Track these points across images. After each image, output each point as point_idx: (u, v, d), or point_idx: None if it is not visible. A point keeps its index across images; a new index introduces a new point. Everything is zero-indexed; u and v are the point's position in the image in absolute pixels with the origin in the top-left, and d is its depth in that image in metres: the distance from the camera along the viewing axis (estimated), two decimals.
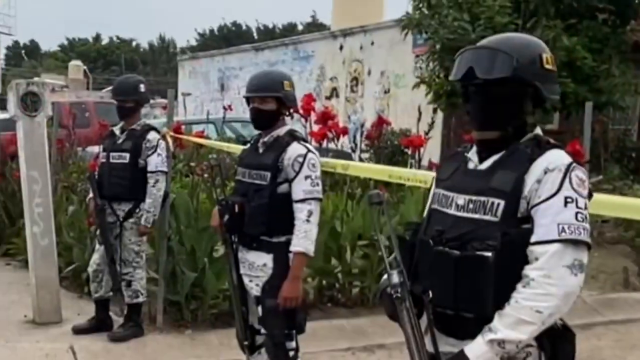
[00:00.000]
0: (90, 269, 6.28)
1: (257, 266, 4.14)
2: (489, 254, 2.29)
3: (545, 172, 2.33)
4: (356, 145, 9.14)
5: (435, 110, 9.04)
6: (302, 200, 4.02)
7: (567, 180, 2.31)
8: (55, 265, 6.73)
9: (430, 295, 2.40)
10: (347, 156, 9.77)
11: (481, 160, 2.50)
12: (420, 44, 13.91)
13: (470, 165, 2.53)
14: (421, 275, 2.50)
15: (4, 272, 8.74)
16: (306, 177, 4.03)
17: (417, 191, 7.02)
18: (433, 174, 4.86)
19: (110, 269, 6.06)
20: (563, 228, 2.26)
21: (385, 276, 2.48)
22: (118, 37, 79.71)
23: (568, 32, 9.01)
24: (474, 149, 2.56)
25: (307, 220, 4.00)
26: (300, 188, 4.03)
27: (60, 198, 8.40)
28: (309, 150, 4.10)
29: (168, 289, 6.43)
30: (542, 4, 9.82)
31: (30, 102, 6.59)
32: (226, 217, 4.18)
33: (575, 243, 2.27)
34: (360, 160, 9.38)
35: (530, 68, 2.40)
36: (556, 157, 2.36)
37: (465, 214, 2.43)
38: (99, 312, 6.34)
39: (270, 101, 4.15)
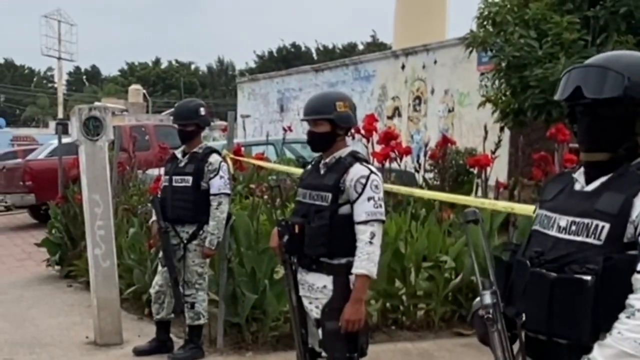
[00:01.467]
0: (152, 291, 6.30)
1: (316, 288, 4.07)
2: (589, 277, 2.17)
3: None
4: (420, 165, 8.97)
5: (502, 129, 8.84)
6: (365, 222, 3.94)
7: None
8: (116, 287, 6.77)
9: (524, 318, 2.30)
10: (411, 176, 9.62)
11: (588, 181, 2.38)
12: (485, 61, 13.70)
13: (577, 187, 2.41)
14: (515, 298, 2.40)
15: (66, 294, 8.84)
16: (369, 199, 3.95)
17: (484, 212, 6.83)
18: (499, 202, 4.73)
19: (174, 291, 6.07)
20: None
21: (478, 297, 2.39)
22: (177, 61, 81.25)
23: None
24: (582, 169, 2.44)
25: (370, 242, 3.92)
26: (362, 209, 3.95)
27: (121, 220, 8.46)
28: (371, 172, 4.04)
29: (228, 311, 6.40)
30: (612, 19, 9.55)
31: (93, 127, 6.69)
32: (285, 237, 4.14)
33: None
34: (425, 180, 9.20)
35: None
36: None
37: (566, 236, 2.31)
38: (160, 333, 6.34)
39: (323, 124, 4.12)
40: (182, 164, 6.19)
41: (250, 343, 6.37)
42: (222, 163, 6.17)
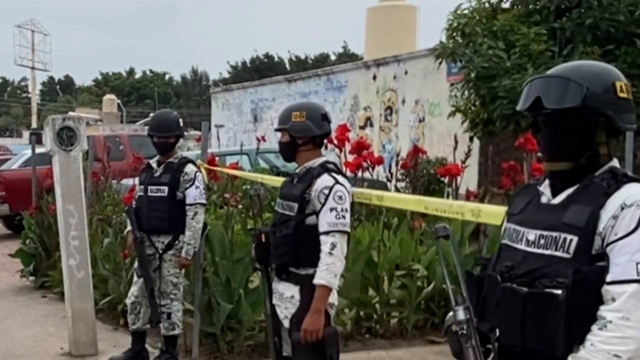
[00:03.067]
0: (128, 301, 6.30)
1: (285, 298, 4.11)
2: (559, 291, 2.20)
3: (623, 208, 2.21)
4: (392, 174, 9.06)
5: (471, 139, 8.93)
6: (326, 233, 3.95)
7: None
8: (91, 297, 6.75)
9: (498, 333, 2.33)
10: (383, 186, 9.70)
11: (554, 194, 2.41)
12: (454, 72, 13.88)
13: (543, 200, 2.44)
14: (488, 313, 2.42)
15: (40, 305, 8.79)
16: (331, 209, 3.96)
17: (454, 222, 6.92)
18: (469, 204, 4.81)
19: (151, 301, 6.05)
20: None
21: (451, 313, 2.40)
22: (151, 71, 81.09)
23: (606, 59, 8.86)
24: (547, 182, 2.46)
25: (330, 253, 3.92)
26: (324, 220, 3.97)
27: (96, 231, 8.45)
28: (336, 182, 4.04)
29: (204, 321, 6.41)
30: (578, 30, 9.72)
31: (66, 137, 6.68)
32: (253, 246, 4.23)
33: None
34: (396, 189, 9.29)
35: (603, 97, 2.29)
36: (634, 192, 2.25)
37: (535, 250, 2.34)
38: (135, 343, 6.33)
39: (285, 134, 4.21)
40: (157, 174, 6.19)
41: (225, 353, 6.39)
42: (198, 173, 6.18)
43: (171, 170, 6.14)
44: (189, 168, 6.16)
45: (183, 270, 6.22)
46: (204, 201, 6.18)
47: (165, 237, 6.11)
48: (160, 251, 6.10)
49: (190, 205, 6.07)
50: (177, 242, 6.09)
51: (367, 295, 6.87)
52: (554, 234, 2.29)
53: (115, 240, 7.84)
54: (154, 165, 6.28)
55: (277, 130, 4.27)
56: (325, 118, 4.24)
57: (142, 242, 6.07)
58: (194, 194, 6.08)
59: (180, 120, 6.33)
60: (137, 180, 6.62)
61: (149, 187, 6.18)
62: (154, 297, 6.04)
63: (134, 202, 6.44)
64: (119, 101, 51.74)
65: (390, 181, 9.25)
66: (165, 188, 6.09)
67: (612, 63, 9.19)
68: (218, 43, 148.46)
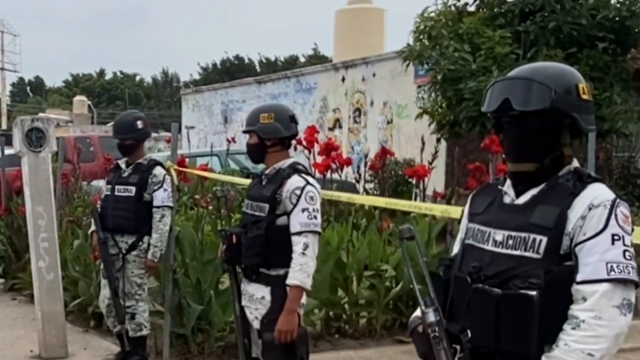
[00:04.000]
0: (102, 305, 6.27)
1: (256, 299, 4.14)
2: (534, 292, 2.21)
3: (590, 208, 2.25)
4: (360, 175, 9.15)
5: (438, 140, 9.06)
6: (299, 233, 3.99)
7: (613, 216, 2.24)
8: (60, 299, 6.73)
9: (469, 334, 2.35)
10: (352, 187, 9.78)
11: (518, 194, 2.42)
12: (421, 74, 14.00)
13: (507, 200, 2.45)
14: (457, 314, 2.41)
15: (10, 307, 8.74)
16: (303, 210, 4.01)
17: (422, 220, 7.03)
18: (434, 205, 4.92)
19: (114, 302, 6.04)
20: (612, 267, 2.18)
21: (415, 313, 2.42)
22: (122, 72, 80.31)
23: (569, 62, 9.04)
24: (509, 182, 2.47)
25: (303, 254, 3.96)
26: (297, 221, 4.01)
27: (66, 232, 8.42)
28: (307, 183, 4.09)
29: (174, 322, 6.42)
30: (542, 34, 9.93)
31: (35, 138, 6.65)
32: (223, 247, 4.25)
33: (624, 282, 2.19)
34: (365, 190, 9.38)
35: (568, 98, 2.32)
36: (600, 193, 2.28)
37: (504, 250, 2.35)
38: (124, 345, 6.24)
39: (253, 135, 4.24)
40: (125, 174, 6.18)
41: (196, 354, 6.39)
42: (167, 176, 6.17)
43: (140, 171, 6.13)
44: (158, 170, 6.15)
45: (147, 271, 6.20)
46: (171, 204, 6.17)
47: (129, 237, 6.07)
48: (124, 251, 6.06)
49: (158, 207, 6.06)
50: (141, 243, 6.06)
51: (336, 295, 6.91)
52: (523, 234, 2.30)
53: (86, 242, 7.80)
54: (123, 165, 6.27)
55: (245, 132, 4.29)
56: (293, 119, 4.28)
57: (105, 242, 6.05)
58: (161, 197, 6.08)
59: (139, 122, 6.18)
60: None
61: (117, 187, 6.16)
62: (118, 297, 6.02)
63: (99, 202, 6.44)
64: (89, 102, 51.39)
65: (358, 182, 9.33)
66: (133, 188, 6.08)
67: (574, 66, 9.35)
68: (189, 45, 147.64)
